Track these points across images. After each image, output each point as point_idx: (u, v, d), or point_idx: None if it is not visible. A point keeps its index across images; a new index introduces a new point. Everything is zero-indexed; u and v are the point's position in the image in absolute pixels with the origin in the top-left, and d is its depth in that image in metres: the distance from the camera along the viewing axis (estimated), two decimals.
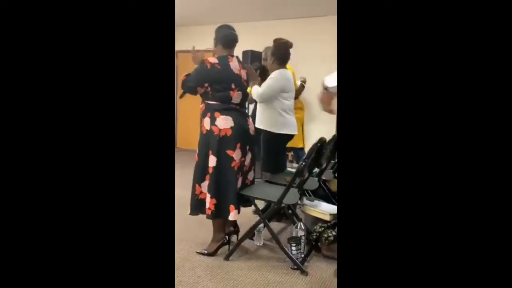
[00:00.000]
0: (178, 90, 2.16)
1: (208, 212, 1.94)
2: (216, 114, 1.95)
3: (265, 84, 2.48)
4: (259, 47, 4.50)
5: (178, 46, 6.14)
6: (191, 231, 2.39)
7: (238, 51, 2.45)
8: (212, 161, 1.93)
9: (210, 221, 2.05)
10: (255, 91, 2.50)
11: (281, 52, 2.52)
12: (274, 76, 2.48)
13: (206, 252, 2.04)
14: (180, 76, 2.10)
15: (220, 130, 1.93)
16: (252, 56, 3.96)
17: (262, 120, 2.56)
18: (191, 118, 6.01)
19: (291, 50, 2.54)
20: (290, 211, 2.22)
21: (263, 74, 2.69)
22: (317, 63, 4.44)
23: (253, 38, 5.01)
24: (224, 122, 1.94)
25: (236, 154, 1.95)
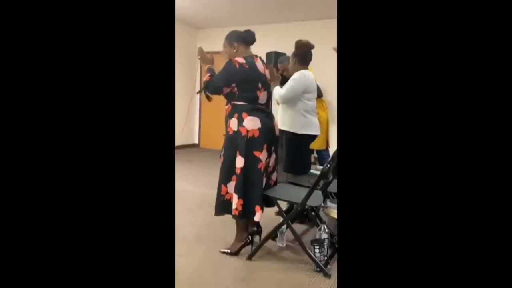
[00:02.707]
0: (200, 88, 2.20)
1: (235, 212, 1.94)
2: (244, 114, 1.94)
3: (288, 85, 2.48)
4: (279, 49, 4.50)
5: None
6: (214, 230, 2.41)
7: (261, 52, 2.45)
8: (240, 162, 1.93)
9: (233, 221, 2.07)
10: (276, 92, 2.50)
11: (303, 53, 2.51)
12: (296, 77, 2.47)
13: (229, 251, 2.05)
14: (203, 76, 2.14)
15: (248, 131, 1.93)
16: (276, 57, 3.97)
17: (285, 121, 2.55)
18: (214, 118, 6.08)
19: (312, 51, 2.54)
20: (313, 213, 2.20)
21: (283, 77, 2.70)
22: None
23: (273, 40, 5.02)
24: (252, 123, 1.94)
25: (263, 155, 1.95)
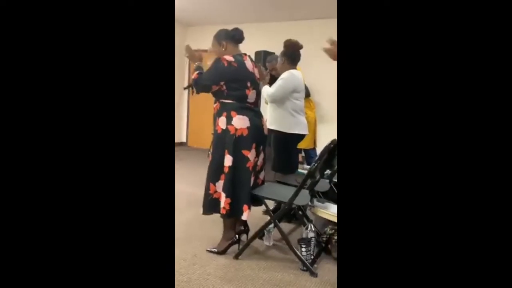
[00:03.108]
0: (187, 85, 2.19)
1: (223, 211, 1.94)
2: (232, 113, 1.94)
3: (277, 84, 2.48)
4: (269, 48, 4.51)
5: (192, 46, 6.23)
6: (202, 229, 2.40)
7: (250, 51, 2.45)
8: (228, 160, 1.93)
9: (221, 220, 2.06)
10: (265, 91, 2.51)
11: (292, 53, 2.53)
12: (285, 76, 2.48)
13: (216, 250, 2.05)
14: (191, 74, 2.12)
15: (236, 129, 1.92)
16: (264, 56, 3.97)
17: (273, 120, 2.56)
18: (202, 117, 6.04)
19: (300, 51, 2.55)
20: (300, 212, 2.22)
21: (272, 76, 2.71)
22: (326, 65, 4.44)
23: (264, 39, 5.02)
24: (241, 122, 1.93)
25: (251, 154, 1.95)
